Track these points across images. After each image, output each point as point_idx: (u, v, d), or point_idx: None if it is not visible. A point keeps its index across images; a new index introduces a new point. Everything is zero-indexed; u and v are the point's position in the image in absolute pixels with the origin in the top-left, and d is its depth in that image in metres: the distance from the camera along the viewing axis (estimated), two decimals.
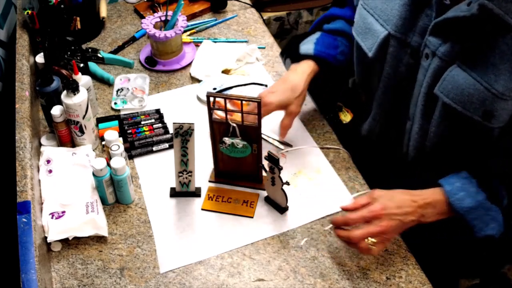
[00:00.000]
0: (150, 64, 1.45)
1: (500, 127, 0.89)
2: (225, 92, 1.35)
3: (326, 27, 1.20)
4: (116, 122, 1.27)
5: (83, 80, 1.24)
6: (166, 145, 1.22)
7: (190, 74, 1.43)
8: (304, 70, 1.13)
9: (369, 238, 0.91)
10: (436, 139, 0.97)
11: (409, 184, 1.12)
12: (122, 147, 1.09)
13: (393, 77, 1.02)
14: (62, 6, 1.42)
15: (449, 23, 0.87)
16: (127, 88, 1.37)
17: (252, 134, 1.04)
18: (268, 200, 1.10)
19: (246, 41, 1.53)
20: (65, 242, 1.04)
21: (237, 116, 1.04)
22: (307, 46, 1.16)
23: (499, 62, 0.82)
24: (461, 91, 0.86)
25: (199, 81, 1.40)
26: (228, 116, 1.02)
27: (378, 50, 1.01)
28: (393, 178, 1.14)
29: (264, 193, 1.11)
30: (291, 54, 1.19)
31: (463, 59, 0.86)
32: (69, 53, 1.35)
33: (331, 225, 1.04)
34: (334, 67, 1.16)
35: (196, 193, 1.11)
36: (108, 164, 1.06)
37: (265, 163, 1.03)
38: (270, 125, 1.25)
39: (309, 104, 1.32)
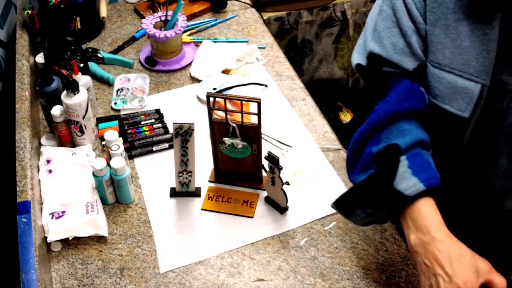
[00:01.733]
0: (150, 64, 1.45)
1: None
2: (225, 92, 1.35)
3: (403, 145, 0.87)
4: (116, 122, 1.27)
5: (83, 80, 1.24)
6: (166, 145, 1.22)
7: (190, 74, 1.43)
8: (439, 228, 0.81)
9: None
10: None
11: None
12: (122, 147, 1.09)
13: (477, 125, 0.89)
14: (62, 6, 1.42)
15: None
16: (127, 88, 1.37)
17: (252, 134, 1.04)
18: (268, 200, 1.10)
19: (246, 41, 1.53)
20: (65, 242, 1.04)
21: (237, 116, 1.04)
22: (409, 183, 0.83)
23: None
24: None
25: (199, 81, 1.40)
26: (228, 116, 1.02)
27: (475, 108, 0.85)
28: None
29: (264, 193, 1.11)
30: (382, 204, 0.86)
31: None
32: (69, 53, 1.35)
33: (331, 225, 1.05)
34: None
35: (196, 193, 1.11)
36: (108, 164, 1.06)
37: (265, 163, 1.03)
38: (270, 125, 1.25)
39: (309, 104, 1.32)
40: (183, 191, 1.11)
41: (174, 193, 1.12)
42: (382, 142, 0.88)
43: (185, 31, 1.56)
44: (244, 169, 1.11)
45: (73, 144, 1.21)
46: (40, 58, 1.31)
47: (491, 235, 0.98)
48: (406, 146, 0.86)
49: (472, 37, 0.82)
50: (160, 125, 1.27)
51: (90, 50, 1.47)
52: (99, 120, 1.28)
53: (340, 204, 0.91)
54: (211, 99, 1.02)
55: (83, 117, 1.15)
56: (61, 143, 1.20)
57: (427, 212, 0.82)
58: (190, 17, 1.62)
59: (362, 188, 0.88)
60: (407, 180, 0.83)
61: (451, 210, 0.91)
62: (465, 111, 0.86)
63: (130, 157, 1.20)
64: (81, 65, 1.36)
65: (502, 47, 0.81)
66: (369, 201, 0.87)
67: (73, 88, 1.11)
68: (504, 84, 0.83)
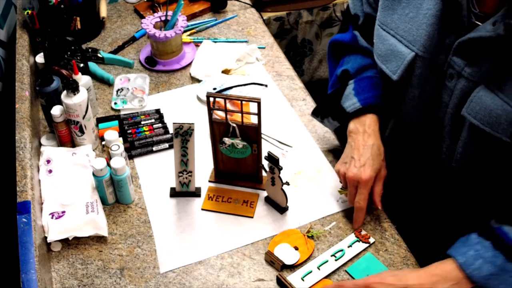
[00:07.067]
0: (150, 64, 1.45)
1: None
2: (225, 92, 1.35)
3: (351, 70, 1.09)
4: (116, 122, 1.27)
5: (83, 80, 1.24)
6: (166, 145, 1.22)
7: (190, 74, 1.43)
8: (371, 126, 1.02)
9: None
10: (462, 160, 0.94)
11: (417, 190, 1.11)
12: (122, 147, 1.09)
13: (419, 99, 0.98)
14: (62, 6, 1.42)
15: (474, 43, 0.84)
16: (127, 88, 1.37)
17: (252, 134, 1.04)
18: (268, 200, 1.10)
19: (246, 41, 1.53)
20: (65, 242, 1.04)
21: (237, 116, 1.04)
22: (350, 102, 1.05)
23: None
24: (489, 112, 0.83)
25: (199, 81, 1.40)
26: (228, 116, 1.02)
27: (404, 73, 0.95)
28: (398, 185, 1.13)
29: (264, 193, 1.11)
30: (336, 116, 1.09)
31: (490, 80, 0.83)
32: (69, 53, 1.35)
33: (331, 225, 1.05)
34: (383, 105, 1.06)
35: (196, 193, 1.11)
36: (108, 164, 1.06)
37: (265, 163, 1.03)
38: (270, 125, 1.25)
39: (309, 104, 1.32)
40: (183, 191, 1.11)
41: (174, 193, 1.12)
42: (343, 65, 1.11)
43: (185, 31, 1.56)
44: (244, 169, 1.11)
45: (73, 144, 1.21)
46: (40, 58, 1.31)
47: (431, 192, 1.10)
48: (354, 70, 1.09)
49: (419, 9, 0.90)
50: (160, 125, 1.27)
51: (90, 50, 1.47)
52: (99, 120, 1.28)
53: (315, 113, 1.15)
54: (211, 99, 1.02)
55: (83, 117, 1.15)
56: (61, 143, 1.20)
57: (367, 118, 1.03)
58: (190, 17, 1.62)
59: (325, 102, 1.13)
60: (349, 100, 1.05)
61: (399, 163, 1.08)
62: (395, 73, 0.96)
63: (130, 157, 1.20)
64: (81, 65, 1.36)
65: (448, 26, 0.88)
66: (329, 113, 1.11)
67: (73, 88, 1.11)
68: (453, 64, 0.89)
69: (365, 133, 1.02)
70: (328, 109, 1.12)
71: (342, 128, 1.09)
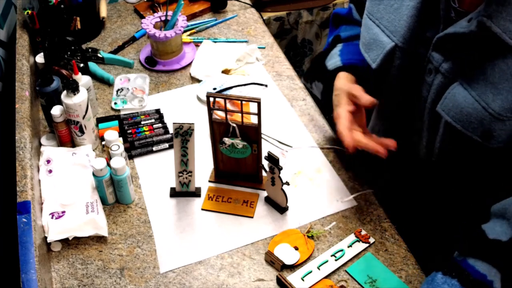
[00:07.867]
0: (150, 64, 1.45)
1: (502, 148, 0.85)
2: (225, 92, 1.35)
3: (343, 36, 1.14)
4: (116, 122, 1.27)
5: (83, 80, 1.24)
6: (166, 145, 1.22)
7: (190, 74, 1.43)
8: (346, 78, 1.03)
9: None
10: (441, 156, 0.95)
11: (410, 184, 1.12)
12: (122, 147, 1.09)
13: (399, 91, 0.99)
14: (62, 6, 1.42)
15: (450, 38, 0.85)
16: (127, 88, 1.37)
17: (252, 134, 1.04)
18: (268, 200, 1.10)
19: (246, 41, 1.53)
20: (65, 242, 1.04)
21: (237, 116, 1.04)
22: (333, 60, 1.09)
23: (498, 82, 0.80)
24: (461, 110, 0.84)
25: (199, 81, 1.40)
26: (228, 116, 1.02)
27: (383, 62, 0.97)
28: (394, 179, 1.14)
29: (264, 193, 1.11)
30: (319, 76, 1.13)
31: (465, 77, 0.84)
32: (69, 53, 1.35)
33: (331, 225, 1.05)
34: (365, 70, 1.07)
35: (196, 193, 1.12)
36: (108, 164, 1.06)
37: (265, 163, 1.03)
38: (270, 125, 1.25)
39: (309, 104, 1.32)
40: (183, 191, 1.11)
41: (174, 193, 1.12)
42: (339, 31, 1.16)
43: (185, 31, 1.56)
44: (244, 169, 1.11)
45: (73, 144, 1.21)
46: (40, 58, 1.31)
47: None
48: (345, 37, 1.14)
49: (404, 0, 0.92)
50: (160, 125, 1.27)
51: (90, 50, 1.47)
52: (99, 120, 1.28)
53: (306, 78, 1.22)
54: (211, 99, 1.02)
55: (83, 117, 1.15)
56: (61, 143, 1.20)
57: (344, 75, 1.04)
58: (190, 17, 1.62)
59: (315, 63, 1.17)
60: (333, 59, 1.10)
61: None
62: (375, 62, 0.98)
63: (130, 157, 1.20)
64: (81, 65, 1.36)
65: (428, 19, 0.89)
66: (316, 75, 1.15)
67: (73, 88, 1.11)
68: (432, 59, 0.90)
69: (336, 82, 1.03)
70: (315, 70, 1.16)
71: (328, 93, 1.07)
